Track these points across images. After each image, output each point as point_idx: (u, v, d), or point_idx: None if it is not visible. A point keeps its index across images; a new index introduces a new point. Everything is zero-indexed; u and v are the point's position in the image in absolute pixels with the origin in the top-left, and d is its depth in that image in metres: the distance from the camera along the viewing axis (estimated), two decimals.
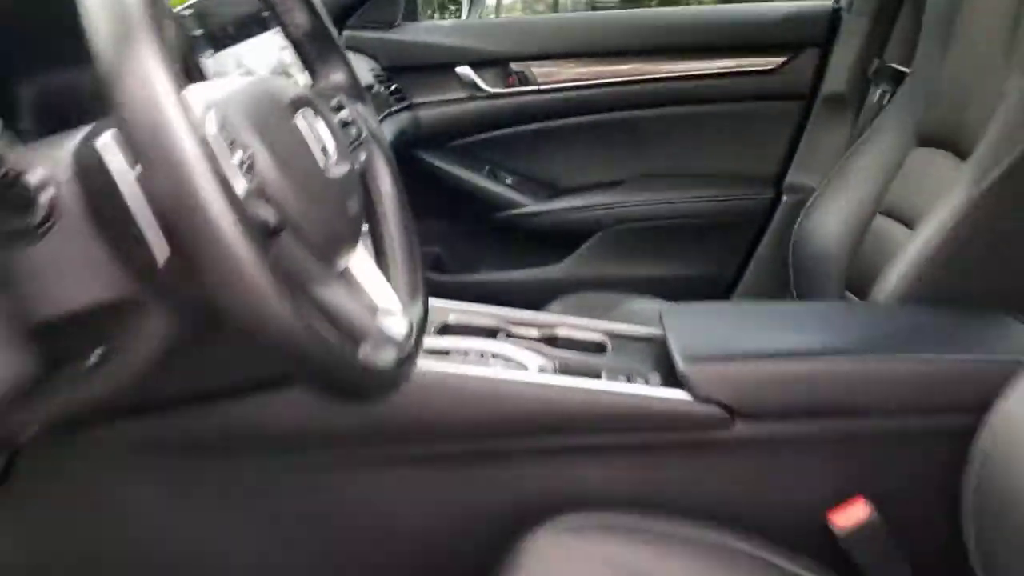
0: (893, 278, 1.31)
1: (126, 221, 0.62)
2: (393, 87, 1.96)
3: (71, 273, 0.67)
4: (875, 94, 1.82)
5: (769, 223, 1.94)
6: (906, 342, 1.14)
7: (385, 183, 0.87)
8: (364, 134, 0.88)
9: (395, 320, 0.77)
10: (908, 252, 1.31)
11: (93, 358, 0.69)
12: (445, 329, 1.26)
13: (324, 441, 1.10)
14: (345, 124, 0.84)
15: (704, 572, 1.01)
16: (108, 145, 0.62)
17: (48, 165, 0.67)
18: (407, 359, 0.76)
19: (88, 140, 0.65)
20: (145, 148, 0.55)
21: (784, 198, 1.96)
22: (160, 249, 0.62)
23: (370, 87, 1.86)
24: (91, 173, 0.64)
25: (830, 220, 1.65)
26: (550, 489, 1.09)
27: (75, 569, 1.19)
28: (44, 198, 0.64)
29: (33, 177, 0.64)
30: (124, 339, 0.70)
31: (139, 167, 0.61)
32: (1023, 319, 1.15)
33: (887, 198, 1.56)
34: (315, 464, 1.12)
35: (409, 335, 0.77)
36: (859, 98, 1.86)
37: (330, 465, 1.12)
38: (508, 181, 2.02)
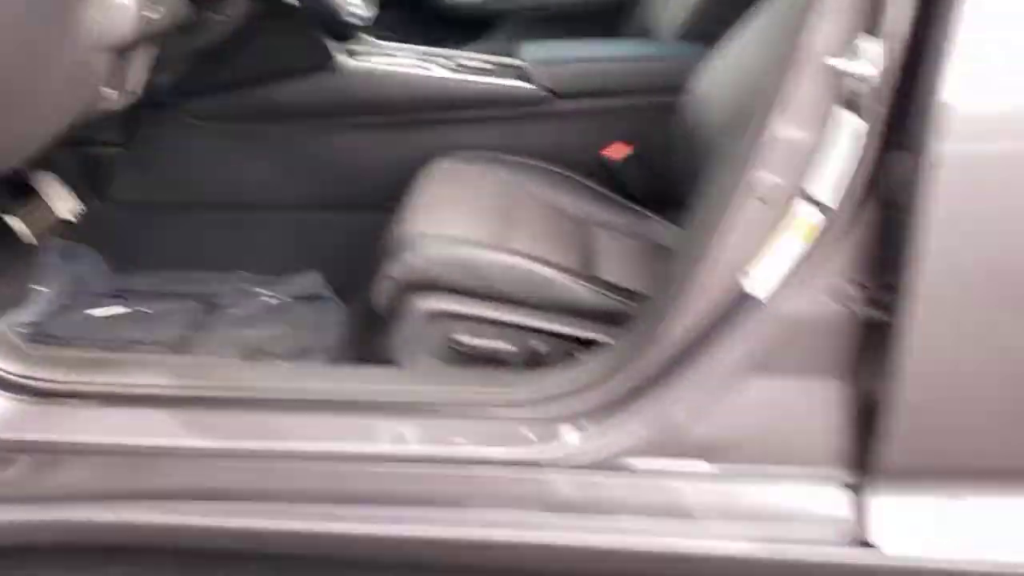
0: (674, 23, 2.09)
1: None
2: None
3: None
4: None
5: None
6: (656, 55, 1.92)
7: None
8: None
9: (359, 7, 1.54)
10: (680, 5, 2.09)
11: (210, 15, 1.46)
12: (391, 56, 2.02)
13: (318, 111, 1.88)
14: None
15: (538, 182, 1.81)
16: None
17: None
18: (365, 26, 1.54)
19: None
20: None
21: None
22: None
23: None
24: None
25: None
26: (447, 144, 1.87)
27: (172, 201, 1.97)
28: None
29: None
30: (224, 8, 1.46)
31: None
32: None
33: None
34: (313, 128, 1.90)
35: (367, 16, 1.55)
36: None
37: (321, 128, 1.90)
38: None
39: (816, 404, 1.16)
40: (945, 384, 1.09)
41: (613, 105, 1.88)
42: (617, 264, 1.59)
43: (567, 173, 1.85)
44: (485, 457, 1.22)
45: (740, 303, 1.15)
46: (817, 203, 1.10)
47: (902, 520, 1.15)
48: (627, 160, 1.88)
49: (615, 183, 1.88)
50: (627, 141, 1.87)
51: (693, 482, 1.19)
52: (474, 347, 1.39)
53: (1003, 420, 1.11)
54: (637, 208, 1.81)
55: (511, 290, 1.41)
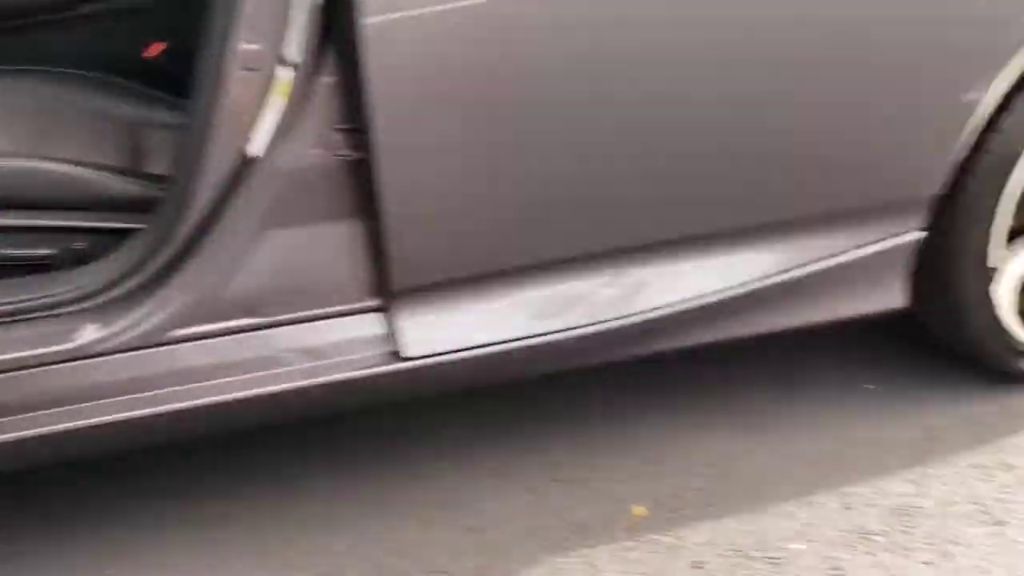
0: None
1: None
2: None
3: None
4: None
5: None
6: None
7: None
8: None
9: None
10: None
11: None
12: None
13: None
14: None
15: (79, 91, 1.75)
16: None
17: None
18: None
19: None
20: None
21: None
22: None
23: None
24: None
25: None
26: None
27: None
28: None
29: None
30: None
31: None
32: None
33: None
34: None
35: None
36: None
37: None
38: None
39: (333, 245, 1.31)
40: (421, 205, 1.27)
41: (143, 3, 1.86)
42: (167, 158, 1.62)
43: (110, 79, 1.82)
44: (29, 360, 1.24)
45: (246, 166, 1.25)
46: (290, 63, 1.21)
47: (420, 329, 1.34)
48: (163, 57, 1.88)
49: (159, 82, 1.89)
50: (163, 39, 1.88)
51: (238, 337, 1.30)
52: (10, 257, 1.37)
53: (475, 231, 1.32)
54: (183, 102, 1.84)
55: (39, 194, 1.40)
